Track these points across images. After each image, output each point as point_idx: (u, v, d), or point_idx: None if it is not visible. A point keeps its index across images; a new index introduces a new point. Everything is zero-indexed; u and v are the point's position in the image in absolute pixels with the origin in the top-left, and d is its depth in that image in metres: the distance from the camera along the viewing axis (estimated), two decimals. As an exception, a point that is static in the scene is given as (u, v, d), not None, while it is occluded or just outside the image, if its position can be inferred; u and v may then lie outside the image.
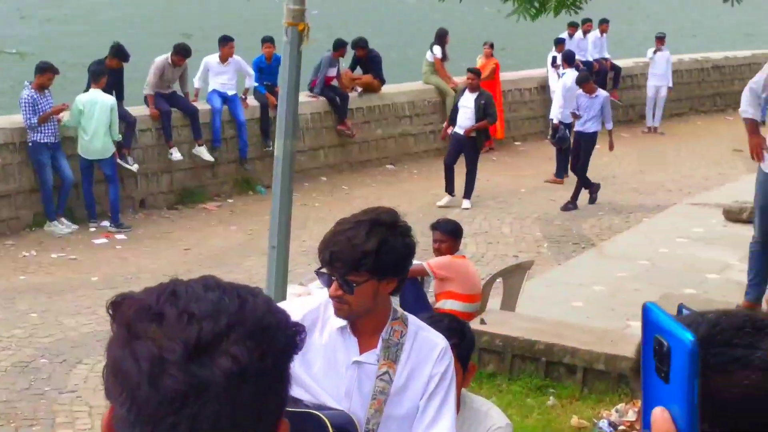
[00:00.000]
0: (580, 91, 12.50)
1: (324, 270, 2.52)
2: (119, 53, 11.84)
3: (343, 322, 2.58)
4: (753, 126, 6.84)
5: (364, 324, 2.61)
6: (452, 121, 12.21)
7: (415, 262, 6.86)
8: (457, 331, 3.14)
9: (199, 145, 11.98)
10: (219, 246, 10.99)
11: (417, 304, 6.92)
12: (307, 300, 2.82)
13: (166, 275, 9.79)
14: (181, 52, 12.47)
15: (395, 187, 12.34)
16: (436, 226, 7.37)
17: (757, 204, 6.92)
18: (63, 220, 10.82)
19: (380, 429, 2.62)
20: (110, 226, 11.03)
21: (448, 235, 7.21)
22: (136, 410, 0.93)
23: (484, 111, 11.78)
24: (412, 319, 2.70)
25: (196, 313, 0.94)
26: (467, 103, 12.01)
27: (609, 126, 12.60)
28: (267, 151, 12.44)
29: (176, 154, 11.83)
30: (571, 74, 13.57)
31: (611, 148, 12.88)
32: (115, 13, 32.53)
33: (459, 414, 3.15)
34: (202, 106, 12.34)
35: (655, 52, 17.39)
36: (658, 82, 17.24)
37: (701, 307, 3.32)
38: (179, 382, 0.90)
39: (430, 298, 7.32)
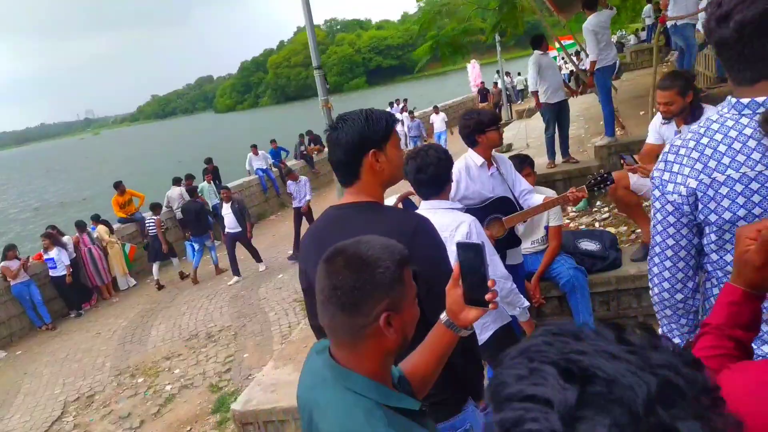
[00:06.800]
0: (290, 180, 12.80)
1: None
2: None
3: None
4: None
5: None
6: (222, 227, 12.19)
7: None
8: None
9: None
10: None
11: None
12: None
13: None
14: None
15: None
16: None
17: None
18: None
19: None
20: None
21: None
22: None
23: (241, 213, 11.92)
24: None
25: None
26: (227, 212, 11.93)
27: (309, 198, 12.78)
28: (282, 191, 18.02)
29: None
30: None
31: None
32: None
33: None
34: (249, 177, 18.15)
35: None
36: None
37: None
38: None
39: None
